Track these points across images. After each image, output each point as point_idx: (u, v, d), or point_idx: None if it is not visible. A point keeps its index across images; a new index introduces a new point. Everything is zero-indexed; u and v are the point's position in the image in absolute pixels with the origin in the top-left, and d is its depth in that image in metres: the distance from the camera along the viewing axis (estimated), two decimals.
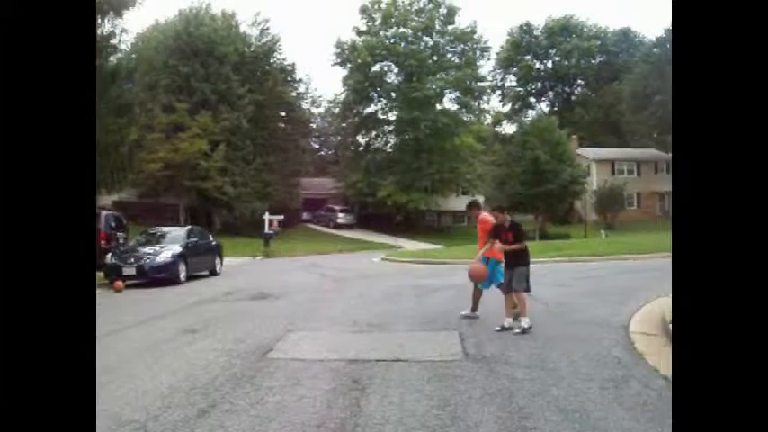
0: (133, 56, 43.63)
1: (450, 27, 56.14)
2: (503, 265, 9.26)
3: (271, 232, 35.58)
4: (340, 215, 56.31)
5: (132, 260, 18.09)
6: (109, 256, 18.47)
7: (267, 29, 52.90)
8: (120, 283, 14.71)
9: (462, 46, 56.79)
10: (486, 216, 9.99)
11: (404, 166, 52.33)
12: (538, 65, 76.77)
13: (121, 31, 28.33)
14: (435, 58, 55.71)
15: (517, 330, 8.48)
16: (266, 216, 36.01)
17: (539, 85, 77.81)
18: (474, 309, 9.94)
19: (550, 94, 78.66)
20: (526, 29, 74.80)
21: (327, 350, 7.80)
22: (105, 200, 39.39)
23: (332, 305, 12.41)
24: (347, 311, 11.26)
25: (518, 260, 8.99)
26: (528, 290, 8.96)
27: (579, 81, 78.43)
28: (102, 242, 20.49)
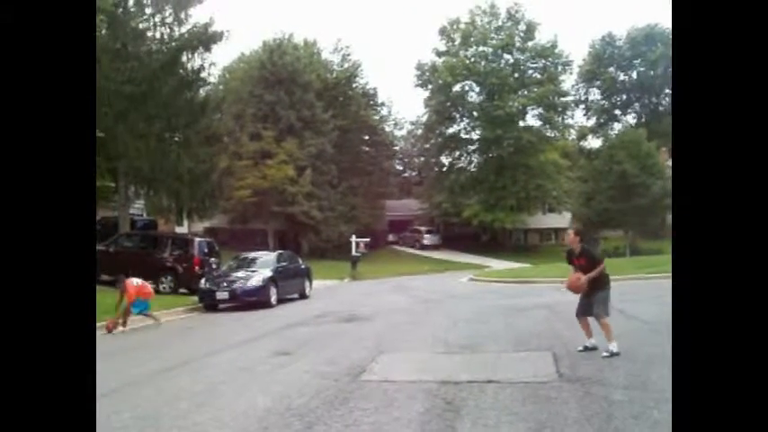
0: (221, 87, 45.19)
1: (530, 43, 55.60)
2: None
3: (358, 254, 35.87)
4: (426, 236, 56.24)
5: (225, 284, 18.56)
6: (203, 281, 19.05)
7: (348, 55, 53.88)
8: (110, 326, 13.86)
9: (543, 61, 56.12)
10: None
11: (488, 184, 51.93)
12: (622, 76, 74.91)
13: (210, 65, 29.27)
14: (516, 75, 55.23)
15: (605, 354, 8.16)
16: (353, 239, 36.35)
17: (624, 96, 75.86)
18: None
19: (636, 105, 76.59)
20: (608, 40, 73.22)
21: (419, 371, 7.78)
22: (197, 227, 40.72)
23: (421, 326, 12.40)
24: (437, 333, 11.21)
25: (596, 284, 8.52)
26: (607, 314, 8.61)
27: (667, 90, 76.19)
28: (196, 267, 21.14)
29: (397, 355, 9.18)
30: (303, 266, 22.91)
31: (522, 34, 55.57)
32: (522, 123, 54.37)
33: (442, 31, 56.30)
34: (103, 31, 24.83)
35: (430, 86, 56.36)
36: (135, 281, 14.52)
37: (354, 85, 53.53)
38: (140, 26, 27.78)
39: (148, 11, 27.59)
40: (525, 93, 54.48)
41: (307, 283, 22.07)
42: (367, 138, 54.16)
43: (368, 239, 40.61)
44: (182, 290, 21.07)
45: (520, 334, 10.51)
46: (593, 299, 8.51)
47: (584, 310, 8.66)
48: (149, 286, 15.10)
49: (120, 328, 13.73)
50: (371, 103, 55.49)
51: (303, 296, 21.40)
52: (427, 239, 55.94)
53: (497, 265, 43.50)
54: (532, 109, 55.51)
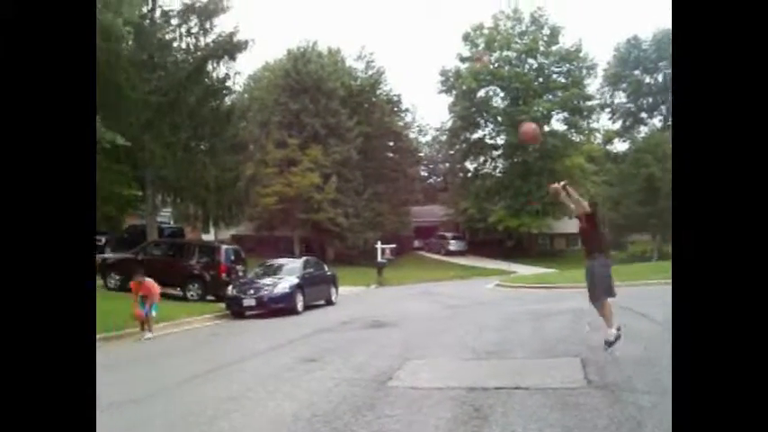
0: (246, 96, 45.56)
1: (554, 47, 55.33)
2: None
3: (383, 261, 35.90)
4: (451, 242, 56.13)
5: (252, 291, 18.67)
6: (229, 288, 19.19)
7: (372, 62, 54.07)
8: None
9: (568, 65, 55.82)
10: None
11: (514, 190, 51.75)
12: (648, 79, 74.19)
13: (235, 74, 29.54)
14: (541, 79, 54.99)
15: (606, 346, 8.19)
16: (378, 245, 36.39)
17: (650, 99, 75.08)
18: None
19: (663, 108, 75.84)
20: (634, 42, 72.59)
21: (446, 378, 7.75)
22: (224, 234, 41.01)
23: (448, 333, 12.35)
24: (463, 339, 11.17)
25: (593, 245, 8.84)
26: (611, 294, 8.60)
27: None
28: (223, 275, 21.29)
29: (423, 362, 9.15)
30: (329, 273, 22.99)
31: (545, 38, 55.37)
32: (547, 128, 54.05)
33: (466, 37, 56.27)
34: (130, 43, 25.12)
35: (454, 92, 56.33)
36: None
37: (379, 92, 53.69)
38: (166, 37, 28.17)
39: (174, 21, 27.92)
40: (550, 97, 54.25)
41: (333, 290, 22.14)
42: (392, 144, 54.27)
43: (393, 246, 40.63)
44: (209, 297, 21.22)
45: (547, 340, 10.44)
46: (595, 279, 8.52)
47: (594, 295, 8.65)
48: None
49: (149, 335, 13.82)
50: (396, 109, 55.61)
51: (329, 303, 21.46)
52: (453, 245, 55.81)
53: (523, 270, 43.28)
54: (557, 113, 55.28)
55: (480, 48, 55.46)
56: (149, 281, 14.45)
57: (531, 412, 5.89)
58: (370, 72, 53.80)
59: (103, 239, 33.88)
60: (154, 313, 14.19)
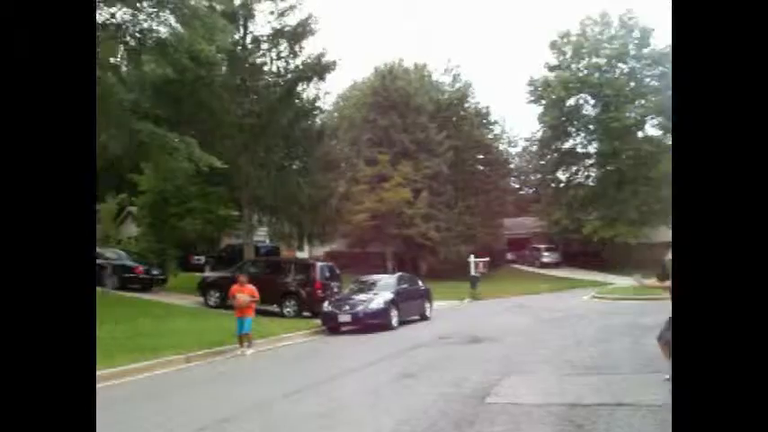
0: (335, 115, 46.40)
1: (645, 50, 53.69)
2: None
3: (477, 275, 35.58)
4: (545, 254, 55.17)
5: (347, 308, 18.89)
6: (325, 304, 19.47)
7: (459, 75, 54.03)
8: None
9: (661, 68, 54.06)
10: None
11: (608, 199, 50.44)
12: None
13: (325, 94, 30.13)
14: (633, 84, 53.45)
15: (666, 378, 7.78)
16: (471, 258, 36.14)
17: None
18: None
19: None
20: None
21: (546, 394, 7.66)
22: (318, 251, 41.71)
23: (545, 347, 12.19)
24: (562, 353, 11.00)
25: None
26: None
27: None
28: (318, 291, 21.63)
29: (522, 377, 9.06)
30: (423, 288, 22.99)
31: (636, 42, 53.85)
32: (640, 134, 52.57)
33: (553, 45, 55.41)
34: (224, 69, 26.04)
35: (543, 102, 55.47)
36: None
37: (466, 105, 53.57)
38: (257, 61, 29.02)
39: (265, 46, 28.74)
40: (643, 102, 52.65)
41: (427, 305, 22.13)
42: (482, 157, 53.97)
43: (487, 259, 40.24)
44: (305, 313, 21.58)
45: (648, 354, 10.12)
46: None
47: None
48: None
49: (250, 351, 14.01)
50: (484, 121, 55.31)
51: (424, 318, 21.46)
52: (547, 257, 54.82)
53: (620, 281, 42.01)
54: (651, 118, 53.59)
55: (568, 55, 54.56)
56: (251, 286, 14.72)
57: (636, 430, 5.75)
58: (457, 85, 53.80)
59: (203, 259, 35.13)
60: (249, 329, 14.32)
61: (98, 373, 10.43)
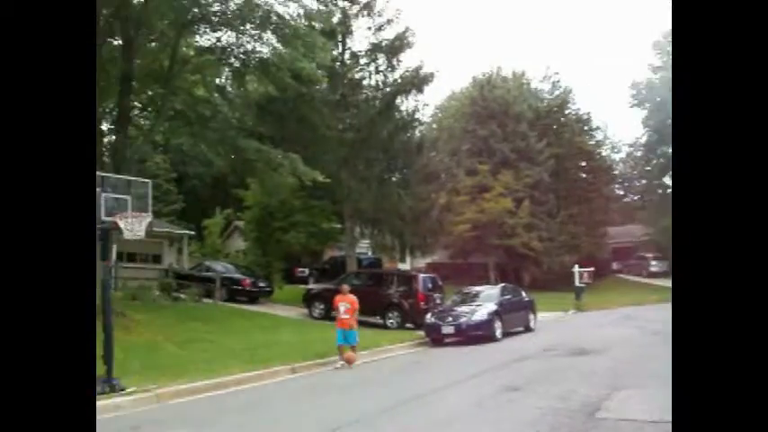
0: (434, 126, 46.52)
1: None
2: None
3: (582, 285, 34.79)
4: (653, 263, 53.23)
5: (450, 319, 18.84)
6: (428, 315, 19.49)
7: (558, 81, 53.10)
8: (351, 356, 14.18)
9: None
10: None
11: None
12: None
13: (423, 106, 30.29)
14: None
15: None
16: (576, 268, 35.37)
17: None
18: None
19: None
20: None
21: (660, 410, 7.37)
22: (419, 263, 41.81)
23: (655, 360, 11.77)
24: None
25: None
26: None
27: None
28: (421, 303, 21.68)
29: (632, 392, 8.79)
30: (527, 299, 22.67)
31: None
32: None
33: (656, 45, 53.65)
34: (324, 85, 26.60)
35: (647, 105, 53.79)
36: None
37: (567, 112, 52.56)
38: (356, 76, 29.48)
39: (363, 61, 29.18)
40: None
41: (531, 316, 21.79)
42: (584, 164, 52.76)
43: (592, 269, 39.27)
44: (408, 325, 21.67)
45: None
46: None
47: None
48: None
49: (354, 362, 14.07)
50: (586, 128, 54.06)
51: (528, 329, 21.14)
52: (655, 266, 52.86)
53: None
54: None
55: (667, 59, 52.73)
56: (352, 296, 14.84)
57: None
58: (556, 92, 52.91)
59: (307, 271, 35.87)
60: (355, 341, 14.37)
61: (217, 380, 10.89)
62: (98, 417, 8.14)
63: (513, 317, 20.42)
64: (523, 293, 23.36)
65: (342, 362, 13.96)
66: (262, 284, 27.80)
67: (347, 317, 14.28)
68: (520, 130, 44.90)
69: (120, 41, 18.54)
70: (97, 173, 11.63)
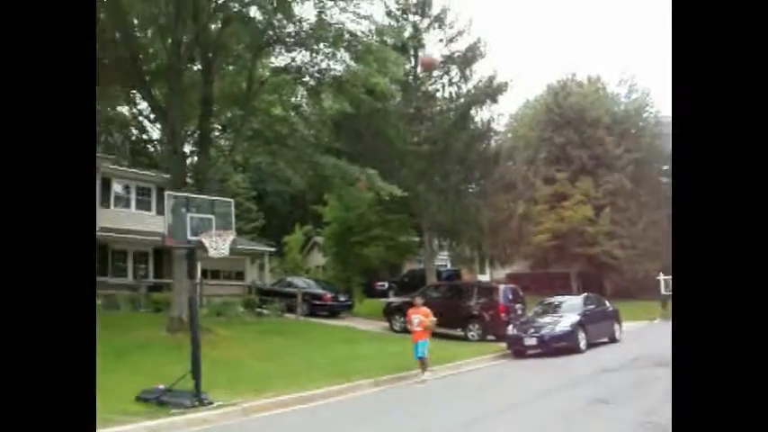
0: (509, 135, 46.17)
1: None
2: None
3: (668, 293, 33.82)
4: None
5: (532, 330, 18.58)
6: (510, 327, 19.29)
7: (634, 84, 51.92)
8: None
9: None
10: None
11: None
12: None
13: (498, 115, 30.17)
14: None
15: None
16: (661, 276, 34.39)
17: None
18: None
19: None
20: None
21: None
22: (499, 273, 41.46)
23: None
24: None
25: None
26: None
27: None
28: (502, 314, 21.49)
29: None
30: (611, 309, 22.17)
31: None
32: None
33: None
34: (398, 99, 26.77)
35: None
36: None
37: (645, 115, 51.31)
38: (430, 89, 29.56)
39: (436, 73, 29.24)
40: None
41: (616, 326, 21.29)
42: (665, 168, 51.36)
43: None
44: (489, 337, 21.50)
45: None
46: None
47: None
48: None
49: (427, 374, 13.89)
50: (666, 131, 52.67)
51: (613, 340, 20.67)
52: None
53: None
54: None
55: None
56: (425, 308, 14.60)
57: None
58: (633, 96, 51.72)
59: (386, 284, 36.05)
60: (424, 354, 14.13)
61: (302, 393, 11.07)
62: (187, 430, 8.46)
63: (598, 327, 19.99)
64: (607, 303, 22.86)
65: (424, 376, 13.85)
66: (342, 299, 28.12)
67: (420, 329, 14.18)
68: (597, 135, 44.08)
69: (200, 66, 19.12)
70: (182, 194, 12.07)
